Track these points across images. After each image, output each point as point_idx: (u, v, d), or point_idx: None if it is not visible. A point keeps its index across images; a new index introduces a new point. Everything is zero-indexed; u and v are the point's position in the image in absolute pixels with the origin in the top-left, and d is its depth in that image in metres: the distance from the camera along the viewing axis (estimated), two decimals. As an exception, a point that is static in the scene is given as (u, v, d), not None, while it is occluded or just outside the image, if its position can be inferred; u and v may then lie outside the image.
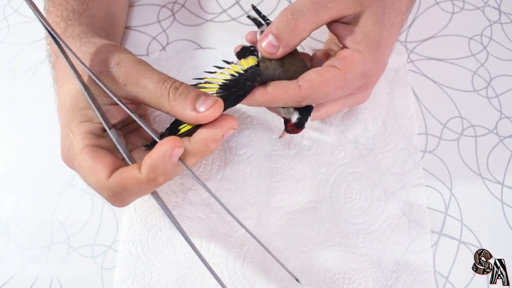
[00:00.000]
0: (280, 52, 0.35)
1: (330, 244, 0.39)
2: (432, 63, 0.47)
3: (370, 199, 0.40)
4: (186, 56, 0.46)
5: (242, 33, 0.48)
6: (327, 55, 0.41)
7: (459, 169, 0.42)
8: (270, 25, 0.35)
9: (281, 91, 0.35)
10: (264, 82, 0.35)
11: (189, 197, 0.40)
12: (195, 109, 0.31)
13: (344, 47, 0.36)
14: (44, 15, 0.40)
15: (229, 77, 0.36)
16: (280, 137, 0.40)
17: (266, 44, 0.35)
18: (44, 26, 0.33)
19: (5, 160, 0.42)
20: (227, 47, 0.47)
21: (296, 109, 0.36)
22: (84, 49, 0.35)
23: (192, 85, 0.36)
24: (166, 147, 0.30)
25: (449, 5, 0.50)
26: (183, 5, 0.50)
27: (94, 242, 0.39)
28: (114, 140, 0.33)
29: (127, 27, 0.48)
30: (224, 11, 0.49)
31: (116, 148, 0.33)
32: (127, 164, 0.32)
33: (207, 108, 0.31)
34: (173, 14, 0.49)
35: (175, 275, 0.37)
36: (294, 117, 0.36)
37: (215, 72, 0.37)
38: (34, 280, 0.38)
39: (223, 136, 0.32)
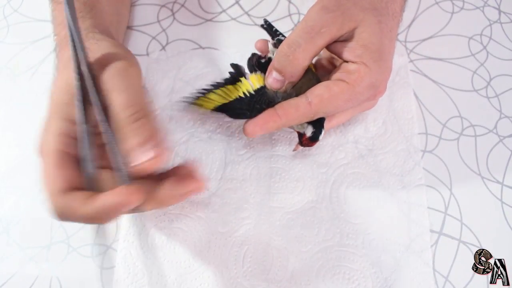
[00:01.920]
0: (287, 85, 0.37)
1: (330, 245, 0.38)
2: (432, 63, 0.47)
3: (370, 199, 0.40)
4: (186, 56, 0.46)
5: (242, 33, 0.48)
6: (331, 62, 0.41)
7: (459, 168, 0.42)
8: (271, 62, 0.37)
9: (292, 111, 0.36)
10: (272, 104, 0.37)
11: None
12: (139, 154, 0.29)
13: (349, 61, 0.36)
14: (52, 6, 0.39)
15: (241, 94, 0.38)
16: (294, 150, 0.40)
17: (272, 81, 0.37)
18: (67, 10, 0.31)
19: (5, 160, 0.42)
20: (227, 47, 0.47)
21: (309, 122, 0.37)
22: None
23: (212, 84, 0.39)
24: (118, 200, 0.28)
25: (448, 5, 0.50)
26: (183, 5, 0.50)
27: (93, 241, 0.39)
28: (81, 141, 0.31)
29: (127, 27, 0.48)
30: (224, 10, 0.49)
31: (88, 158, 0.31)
32: (89, 184, 0.31)
33: (147, 159, 0.29)
34: (173, 14, 0.49)
35: (174, 275, 0.37)
36: (309, 131, 0.37)
37: (233, 79, 0.39)
38: (34, 279, 0.38)
39: (184, 195, 0.32)
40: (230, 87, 0.39)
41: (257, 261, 0.38)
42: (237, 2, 0.50)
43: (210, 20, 0.49)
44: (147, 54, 0.47)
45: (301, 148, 0.39)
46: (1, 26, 0.49)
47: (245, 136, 0.42)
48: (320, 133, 0.37)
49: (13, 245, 0.39)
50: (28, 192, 0.41)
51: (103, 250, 0.39)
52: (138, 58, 0.45)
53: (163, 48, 0.47)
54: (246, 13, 0.49)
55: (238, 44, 0.47)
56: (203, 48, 0.47)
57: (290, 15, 0.49)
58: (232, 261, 0.38)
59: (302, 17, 0.45)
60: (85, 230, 0.40)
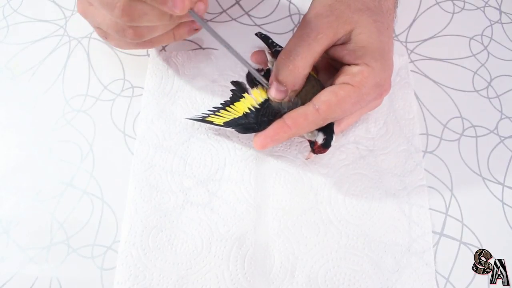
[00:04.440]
0: (290, 95, 0.37)
1: (331, 245, 0.38)
2: (433, 63, 0.47)
3: (371, 200, 0.40)
4: (186, 56, 0.46)
5: (242, 33, 0.48)
6: (330, 65, 0.41)
7: (460, 169, 0.42)
8: (272, 74, 0.37)
9: (302, 119, 0.36)
10: (279, 115, 0.37)
11: (190, 198, 0.40)
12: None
13: (350, 63, 0.36)
14: None
15: (247, 110, 0.38)
16: (307, 158, 0.41)
17: (275, 92, 0.37)
18: None
19: (5, 160, 0.42)
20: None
21: (319, 129, 0.37)
22: None
23: (221, 103, 0.41)
24: None
25: (449, 5, 0.50)
26: (183, 5, 0.50)
27: (93, 242, 0.39)
28: None
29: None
30: (224, 11, 0.49)
31: None
32: None
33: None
34: (173, 14, 0.49)
35: (176, 276, 0.37)
36: (320, 138, 0.37)
37: (236, 97, 0.40)
38: (34, 280, 0.38)
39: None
40: (236, 103, 0.40)
41: (257, 262, 0.38)
42: (237, 3, 0.50)
43: (210, 20, 0.49)
44: (148, 55, 0.46)
45: (314, 155, 0.39)
46: (1, 26, 0.48)
47: (245, 136, 0.42)
48: (331, 139, 0.37)
49: (13, 246, 0.39)
50: (28, 192, 0.41)
51: (103, 251, 0.39)
52: (138, 58, 0.46)
53: (163, 48, 0.47)
54: (247, 13, 0.49)
55: (239, 44, 0.47)
56: (203, 49, 0.47)
57: (290, 15, 0.49)
58: (233, 262, 0.38)
59: (302, 17, 0.45)
60: (85, 231, 0.40)
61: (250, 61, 0.44)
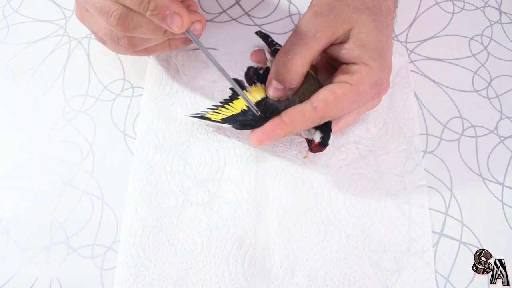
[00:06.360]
0: (288, 93, 0.37)
1: (331, 246, 0.38)
2: (433, 63, 0.47)
3: (371, 200, 0.40)
4: (186, 56, 0.46)
5: (242, 33, 0.48)
6: (329, 65, 0.41)
7: (460, 169, 0.42)
8: (270, 72, 0.38)
9: (299, 117, 0.36)
10: (277, 112, 0.37)
11: (190, 198, 0.40)
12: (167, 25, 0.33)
13: (349, 62, 0.36)
14: None
15: (245, 107, 0.39)
16: (305, 157, 0.40)
17: (273, 90, 0.37)
18: None
19: (5, 160, 0.42)
20: (227, 47, 0.47)
21: (316, 128, 0.37)
22: None
23: (220, 101, 0.41)
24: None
25: (449, 5, 0.50)
26: (183, 5, 0.50)
27: (94, 242, 0.39)
28: None
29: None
30: (224, 11, 0.49)
31: None
32: None
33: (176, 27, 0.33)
34: (173, 14, 0.49)
35: (176, 276, 0.37)
36: (317, 137, 0.37)
37: (235, 94, 0.40)
38: (34, 280, 0.38)
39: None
40: (235, 101, 0.40)
41: (257, 262, 0.38)
42: (237, 3, 0.50)
43: (210, 20, 0.49)
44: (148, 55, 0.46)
45: (312, 154, 0.39)
46: (1, 26, 0.48)
47: (245, 136, 0.42)
48: (329, 137, 0.37)
49: (13, 246, 0.39)
50: (28, 192, 0.41)
51: (103, 251, 0.39)
52: (138, 58, 0.46)
53: (163, 48, 0.47)
54: (247, 13, 0.49)
55: (238, 44, 0.47)
56: (204, 48, 0.47)
57: (290, 15, 0.49)
58: (233, 262, 0.38)
59: (301, 16, 0.45)
60: (85, 231, 0.40)
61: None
